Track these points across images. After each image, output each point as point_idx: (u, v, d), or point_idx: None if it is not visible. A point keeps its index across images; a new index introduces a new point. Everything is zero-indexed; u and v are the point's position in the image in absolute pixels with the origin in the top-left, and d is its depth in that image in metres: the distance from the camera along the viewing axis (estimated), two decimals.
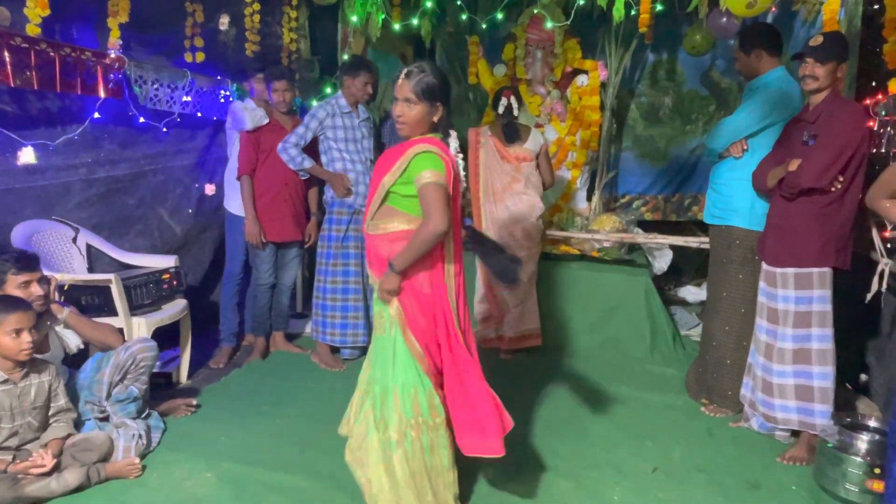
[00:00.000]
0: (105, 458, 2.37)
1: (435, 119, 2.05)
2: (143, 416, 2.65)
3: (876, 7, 3.01)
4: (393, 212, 2.06)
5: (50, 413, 2.37)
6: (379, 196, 2.06)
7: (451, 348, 2.08)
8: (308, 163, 3.44)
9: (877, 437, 2.38)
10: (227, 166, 3.71)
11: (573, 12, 3.96)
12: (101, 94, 3.20)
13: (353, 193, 3.47)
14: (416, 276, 2.04)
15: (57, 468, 2.23)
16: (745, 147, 2.89)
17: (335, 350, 3.67)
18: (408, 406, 2.02)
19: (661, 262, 4.40)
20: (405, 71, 2.02)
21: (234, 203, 3.61)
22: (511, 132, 3.65)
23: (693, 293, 4.64)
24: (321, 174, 3.50)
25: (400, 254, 1.99)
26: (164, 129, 3.64)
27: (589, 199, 4.67)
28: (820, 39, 2.46)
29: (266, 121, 3.50)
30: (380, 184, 2.05)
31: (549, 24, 4.19)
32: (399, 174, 2.01)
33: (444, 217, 1.94)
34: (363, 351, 3.69)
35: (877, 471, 2.21)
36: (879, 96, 2.85)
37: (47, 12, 2.79)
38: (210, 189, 3.95)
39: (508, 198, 3.66)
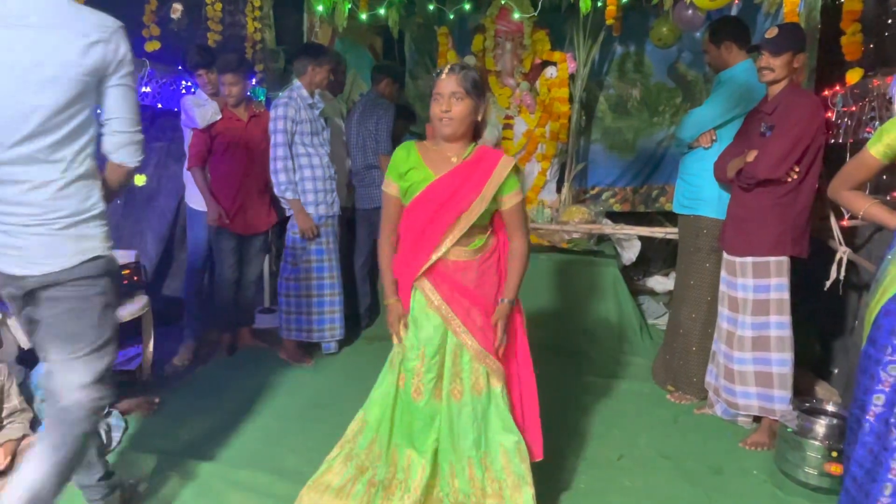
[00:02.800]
0: None
1: (479, 118, 1.98)
2: (104, 414, 2.58)
3: (836, 1, 3.06)
4: (479, 230, 2.00)
5: (3, 415, 2.30)
6: (469, 221, 1.94)
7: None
8: (291, 195, 3.34)
9: (835, 421, 2.43)
10: (186, 162, 3.64)
11: (540, 4, 3.96)
12: None
13: (315, 202, 3.42)
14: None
15: (11, 470, 2.16)
16: (714, 138, 2.94)
17: (302, 345, 3.63)
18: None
19: (630, 253, 4.44)
20: (448, 66, 1.94)
21: (194, 198, 3.54)
22: None
23: (660, 283, 4.70)
24: (297, 212, 3.39)
25: (511, 285, 2.03)
26: None
27: (558, 190, 4.69)
28: (775, 31, 2.49)
29: (218, 116, 3.41)
30: (469, 210, 1.92)
31: (516, 15, 4.18)
32: (493, 192, 1.93)
33: (528, 236, 2.05)
34: (339, 344, 3.68)
35: (835, 454, 2.26)
36: (837, 88, 2.90)
37: None
38: (141, 180, 3.84)
39: None
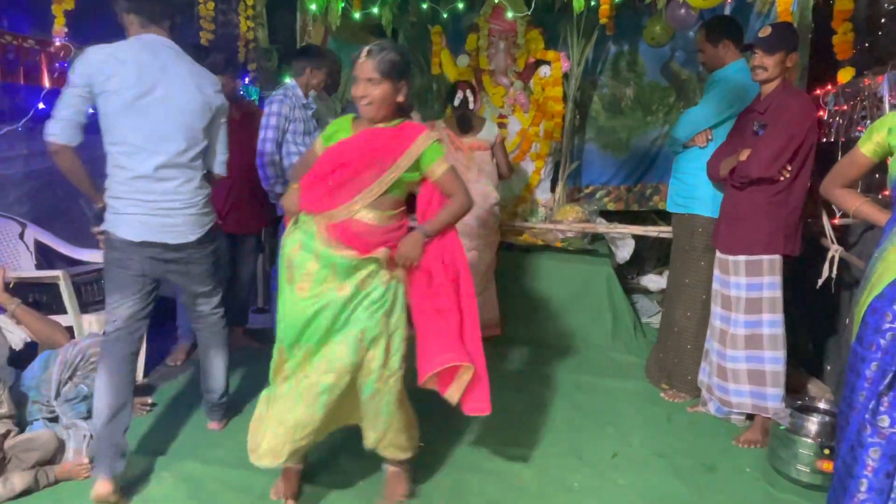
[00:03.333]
0: (53, 460, 2.29)
1: (400, 98, 2.01)
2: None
3: (828, 1, 3.07)
4: (394, 201, 2.05)
5: None
6: (386, 183, 1.99)
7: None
8: (280, 188, 3.32)
9: (827, 418, 2.45)
10: None
11: (534, 2, 3.96)
12: (46, 83, 3.07)
13: None
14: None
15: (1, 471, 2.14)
16: (710, 137, 2.95)
17: None
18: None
19: (623, 252, 4.46)
20: (366, 49, 1.95)
21: None
22: (464, 122, 3.69)
23: (654, 281, 4.71)
24: (288, 206, 3.36)
25: (433, 221, 2.06)
26: None
27: (552, 189, 4.69)
28: (768, 30, 2.50)
29: None
30: (384, 174, 1.98)
31: (510, 14, 4.18)
32: (411, 162, 1.99)
33: (470, 195, 2.09)
34: None
35: (826, 451, 2.28)
36: (829, 87, 2.91)
37: None
38: None
39: None
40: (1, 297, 2.48)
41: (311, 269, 1.99)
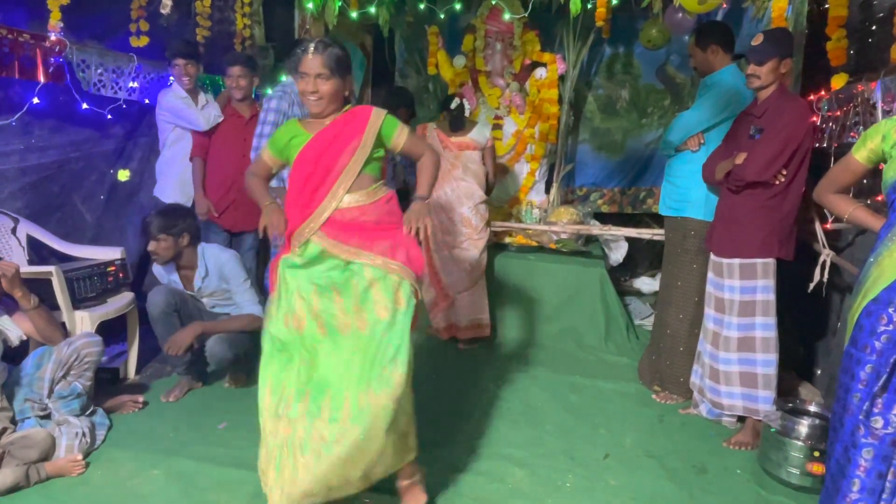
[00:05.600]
0: (46, 457, 2.28)
1: (346, 93, 2.10)
2: (88, 413, 2.56)
3: (822, 7, 3.10)
4: (371, 179, 2.09)
5: None
6: (359, 163, 2.04)
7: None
8: (273, 184, 3.33)
9: (817, 421, 2.46)
10: (161, 155, 3.62)
11: (531, 4, 3.97)
12: (41, 78, 3.05)
13: None
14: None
15: None
16: (702, 141, 2.97)
17: None
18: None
19: (617, 254, 4.48)
20: (311, 45, 2.00)
21: (166, 191, 3.54)
22: (455, 122, 3.74)
23: (647, 284, 4.73)
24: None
25: (424, 185, 2.18)
26: (109, 117, 3.51)
27: (547, 191, 4.71)
28: (759, 39, 2.52)
29: (220, 118, 3.44)
30: (354, 156, 2.03)
31: (506, 16, 4.19)
32: (373, 139, 2.06)
33: (432, 148, 2.26)
34: None
35: (817, 454, 2.29)
36: (822, 92, 2.93)
37: None
38: (124, 175, 3.81)
39: (447, 183, 3.70)
40: (19, 293, 2.44)
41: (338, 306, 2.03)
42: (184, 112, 3.41)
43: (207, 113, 3.42)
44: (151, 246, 2.89)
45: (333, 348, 2.01)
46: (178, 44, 3.45)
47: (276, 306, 2.08)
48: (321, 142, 2.06)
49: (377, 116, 2.09)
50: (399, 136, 2.13)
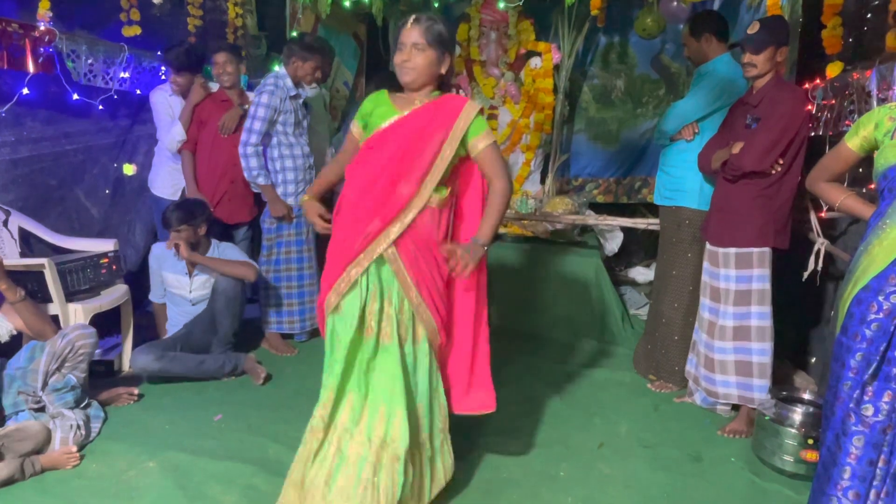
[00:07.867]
0: (41, 450, 2.27)
1: (443, 70, 1.96)
2: (82, 405, 2.54)
3: None
4: (444, 181, 1.95)
5: None
6: (444, 163, 1.89)
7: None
8: (263, 180, 3.31)
9: (811, 409, 2.47)
10: (157, 147, 3.60)
11: None
12: (31, 68, 3.02)
13: (295, 193, 3.40)
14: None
15: None
16: (697, 130, 2.96)
17: (286, 336, 3.61)
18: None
19: (612, 244, 4.48)
20: (413, 17, 1.92)
21: (158, 184, 3.52)
22: None
23: (642, 274, 4.74)
24: (271, 199, 3.35)
25: (484, 227, 1.92)
26: (101, 108, 3.48)
27: (542, 181, 4.70)
28: (756, 27, 2.51)
29: (183, 138, 3.43)
30: (440, 151, 1.88)
31: (501, 5, 4.16)
32: (461, 135, 1.91)
33: (510, 178, 1.96)
34: (310, 334, 3.67)
35: (810, 441, 2.31)
36: (818, 81, 2.92)
37: None
38: (130, 169, 3.80)
39: None
40: (4, 286, 2.43)
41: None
42: (159, 115, 3.45)
43: (177, 131, 3.43)
44: (173, 237, 3.06)
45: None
46: (180, 54, 3.44)
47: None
48: (415, 123, 1.91)
49: (470, 109, 1.93)
50: (481, 140, 1.93)
